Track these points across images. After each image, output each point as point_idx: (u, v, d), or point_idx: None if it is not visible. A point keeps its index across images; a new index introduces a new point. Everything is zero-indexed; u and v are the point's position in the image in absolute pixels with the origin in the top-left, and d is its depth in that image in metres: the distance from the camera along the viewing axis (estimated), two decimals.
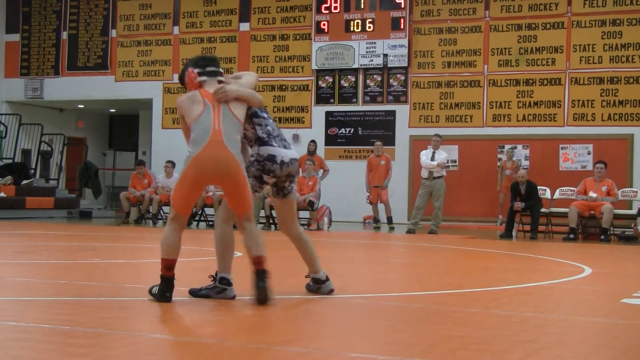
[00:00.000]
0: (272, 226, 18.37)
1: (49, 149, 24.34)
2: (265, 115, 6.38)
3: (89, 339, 4.62)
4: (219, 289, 6.14)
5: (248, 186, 6.02)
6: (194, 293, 6.23)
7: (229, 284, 6.15)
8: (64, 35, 24.77)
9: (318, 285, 6.61)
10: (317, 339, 4.84)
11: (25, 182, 21.95)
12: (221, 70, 6.29)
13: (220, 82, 6.16)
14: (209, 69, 6.22)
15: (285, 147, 6.32)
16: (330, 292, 6.58)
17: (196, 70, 6.21)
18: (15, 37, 25.32)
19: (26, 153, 24.69)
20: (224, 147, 5.89)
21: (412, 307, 6.23)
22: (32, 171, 23.58)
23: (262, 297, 5.90)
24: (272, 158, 6.22)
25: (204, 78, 6.19)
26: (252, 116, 6.30)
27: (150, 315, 5.58)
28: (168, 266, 5.94)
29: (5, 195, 20.61)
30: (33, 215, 20.48)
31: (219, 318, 5.57)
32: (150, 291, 6.05)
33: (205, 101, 6.02)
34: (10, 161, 23.33)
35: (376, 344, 4.73)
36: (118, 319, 5.37)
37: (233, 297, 6.16)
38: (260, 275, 5.94)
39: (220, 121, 5.96)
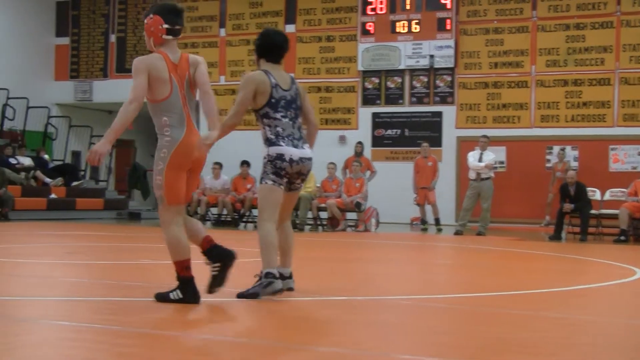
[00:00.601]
0: (320, 227, 18.39)
1: None
2: (278, 115, 6.41)
3: (138, 339, 4.67)
4: (265, 282, 6.18)
5: None
6: (243, 295, 6.23)
7: (275, 277, 6.21)
8: (112, 38, 25.05)
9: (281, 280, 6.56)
10: (362, 340, 4.84)
11: (75, 183, 22.22)
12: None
13: (179, 39, 5.96)
14: (177, 27, 5.88)
15: (295, 147, 6.40)
16: (289, 289, 6.51)
17: (165, 25, 5.83)
18: (65, 41, 25.65)
19: (76, 155, 24.99)
20: (197, 131, 5.87)
21: (459, 309, 6.20)
22: (82, 173, 23.88)
23: (228, 260, 5.92)
24: (280, 157, 6.34)
25: (169, 37, 5.85)
26: (263, 116, 6.45)
27: (199, 316, 5.62)
28: (187, 266, 5.81)
29: (56, 197, 20.89)
30: (83, 216, 20.74)
31: (264, 319, 5.59)
32: (166, 298, 5.82)
33: (171, 78, 5.77)
34: (60, 163, 23.63)
35: (422, 346, 4.72)
36: (166, 319, 5.41)
37: (280, 290, 6.23)
38: (219, 247, 5.93)
39: (187, 105, 5.84)
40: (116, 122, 5.66)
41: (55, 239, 13.66)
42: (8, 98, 23.42)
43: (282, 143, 6.36)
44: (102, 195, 22.81)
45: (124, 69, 24.59)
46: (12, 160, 21.18)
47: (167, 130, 5.75)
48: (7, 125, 23.58)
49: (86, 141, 24.26)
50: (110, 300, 6.21)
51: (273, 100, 6.43)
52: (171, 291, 5.85)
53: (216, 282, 5.97)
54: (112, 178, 25.13)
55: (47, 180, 21.40)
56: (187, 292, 5.81)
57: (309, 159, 6.49)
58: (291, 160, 6.36)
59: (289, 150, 6.36)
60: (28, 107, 23.93)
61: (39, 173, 21.46)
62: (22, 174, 20.91)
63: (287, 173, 6.39)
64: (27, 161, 21.79)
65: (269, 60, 6.61)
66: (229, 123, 6.47)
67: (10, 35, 24.11)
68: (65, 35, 25.65)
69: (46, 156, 23.07)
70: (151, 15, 5.87)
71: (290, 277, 6.61)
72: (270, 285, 6.18)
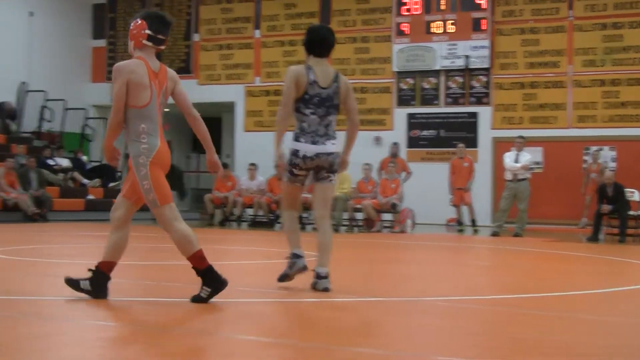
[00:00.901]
0: (355, 228, 18.40)
1: None
2: (307, 111, 6.70)
3: (178, 339, 4.70)
4: (291, 263, 6.74)
5: None
6: (281, 278, 6.78)
7: (298, 256, 6.72)
8: None
9: (315, 280, 6.70)
10: (398, 341, 4.85)
11: (112, 184, 22.40)
12: (168, 37, 6.07)
13: (159, 49, 6.00)
14: (160, 36, 5.92)
15: (314, 143, 6.69)
16: (324, 290, 6.61)
17: (147, 31, 5.87)
18: (102, 43, 25.87)
19: None
20: (165, 140, 5.99)
21: (495, 310, 6.18)
22: (119, 174, 24.05)
23: (95, 294, 5.90)
24: (295, 152, 6.72)
25: (149, 44, 5.88)
26: (295, 110, 6.75)
27: (233, 317, 5.65)
28: (201, 257, 5.84)
29: (93, 198, 21.07)
30: None
31: (298, 320, 5.61)
32: (201, 299, 5.80)
33: (151, 87, 5.81)
34: (98, 164, 23.84)
35: (457, 347, 4.71)
36: (206, 320, 5.45)
37: (304, 267, 6.70)
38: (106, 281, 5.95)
39: (161, 114, 5.93)
40: (105, 138, 5.99)
41: (93, 240, 13.79)
42: (46, 100, 23.69)
43: (301, 139, 6.70)
44: None
45: None
46: (51, 162, 21.42)
47: (144, 138, 5.82)
48: (46, 126, 23.86)
49: (123, 142, 24.42)
50: (150, 300, 6.27)
51: (306, 97, 6.70)
52: (200, 291, 5.85)
53: (85, 290, 5.97)
54: None
55: (85, 181, 21.62)
56: (212, 282, 5.82)
57: (329, 154, 6.72)
58: (304, 157, 6.68)
59: (304, 147, 6.69)
60: (66, 109, 24.18)
61: (76, 174, 21.69)
62: (60, 175, 21.15)
63: (301, 168, 6.73)
64: (65, 162, 22.03)
65: (316, 55, 6.81)
66: (280, 116, 6.71)
67: (48, 38, 24.39)
68: (102, 38, 25.86)
69: (84, 157, 23.29)
70: (138, 20, 5.93)
71: (326, 277, 6.64)
72: (295, 264, 6.73)
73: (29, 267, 8.77)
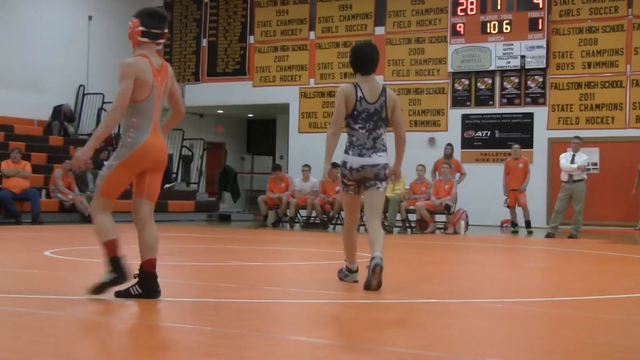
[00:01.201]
0: (409, 230, 18.34)
1: (190, 153, 25.01)
2: (356, 126, 7.07)
3: (229, 339, 4.72)
4: (344, 273, 7.37)
5: None
6: (340, 273, 7.43)
7: (351, 271, 7.32)
8: (204, 42, 25.40)
9: (369, 264, 6.83)
10: (455, 344, 4.81)
11: (167, 186, 22.59)
12: (166, 31, 6.11)
13: (158, 43, 6.08)
14: (154, 30, 6.01)
15: (361, 155, 7.05)
16: (376, 266, 6.64)
17: (140, 28, 5.97)
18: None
19: (168, 158, 25.40)
20: (160, 136, 6.02)
21: (551, 313, 6.11)
22: (174, 175, 24.28)
23: (149, 294, 5.95)
24: (344, 164, 7.13)
25: (144, 40, 5.98)
26: (346, 125, 7.16)
27: (288, 318, 5.66)
28: (114, 245, 5.94)
29: None
30: (175, 219, 21.06)
31: (350, 320, 5.60)
32: (101, 283, 5.88)
33: (153, 84, 5.89)
34: None
35: (515, 350, 4.66)
36: (257, 320, 5.46)
37: (355, 282, 7.23)
38: (154, 277, 5.99)
39: (158, 111, 5.98)
40: (99, 129, 5.88)
41: None
42: (103, 102, 24.00)
43: (350, 152, 7.10)
44: (193, 198, 23.14)
45: (215, 73, 24.95)
46: None
47: (132, 132, 5.87)
48: None
49: (178, 144, 24.71)
50: (202, 301, 6.31)
51: (355, 113, 7.07)
52: (104, 275, 5.91)
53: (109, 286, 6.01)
54: (203, 180, 25.50)
55: None
56: (116, 270, 5.90)
57: (374, 166, 7.04)
58: (351, 168, 7.07)
59: (350, 159, 7.08)
60: None
61: None
62: None
63: (349, 179, 7.12)
64: None
65: (362, 73, 7.16)
66: (329, 133, 7.11)
67: (106, 41, 24.69)
68: None
69: None
70: (133, 19, 6.03)
71: (380, 257, 6.68)
72: (347, 277, 7.36)
73: (82, 267, 8.88)
